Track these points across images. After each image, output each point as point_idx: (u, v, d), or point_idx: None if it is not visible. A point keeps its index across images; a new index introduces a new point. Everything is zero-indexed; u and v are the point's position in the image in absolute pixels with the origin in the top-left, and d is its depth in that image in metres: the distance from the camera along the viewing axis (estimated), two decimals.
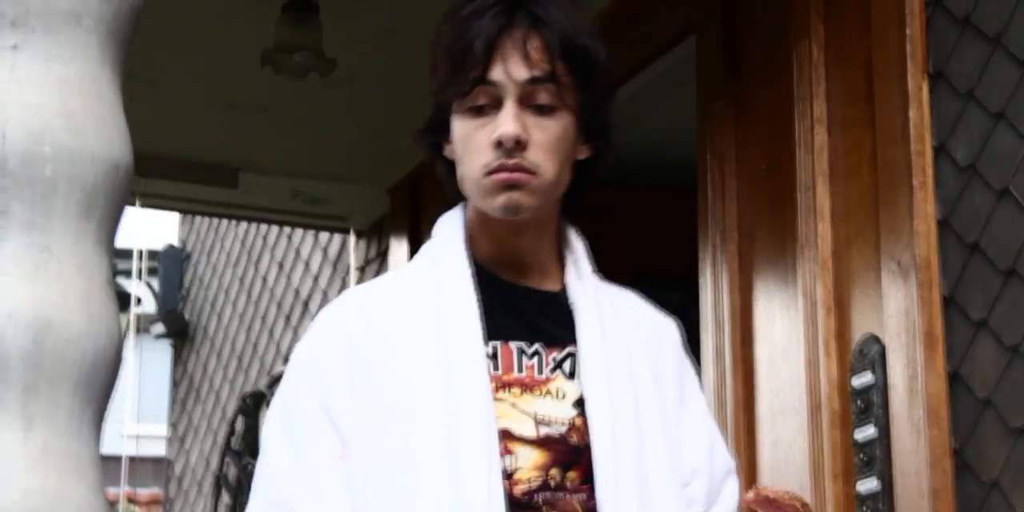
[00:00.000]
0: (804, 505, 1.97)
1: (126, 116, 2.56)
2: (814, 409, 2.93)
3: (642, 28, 3.75)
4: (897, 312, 2.75)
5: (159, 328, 6.92)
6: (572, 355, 1.99)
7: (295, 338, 5.68)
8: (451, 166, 2.01)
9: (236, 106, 4.49)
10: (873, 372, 2.78)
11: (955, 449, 2.61)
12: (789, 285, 3.09)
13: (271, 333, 5.91)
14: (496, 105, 1.94)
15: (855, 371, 2.83)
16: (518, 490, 1.89)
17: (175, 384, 6.86)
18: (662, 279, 4.61)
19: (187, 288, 6.90)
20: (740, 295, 3.26)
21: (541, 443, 1.93)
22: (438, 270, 2.00)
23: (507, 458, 1.90)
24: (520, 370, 1.96)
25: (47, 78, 2.46)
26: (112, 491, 7.63)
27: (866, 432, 2.77)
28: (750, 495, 1.96)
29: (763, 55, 3.27)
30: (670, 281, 4.47)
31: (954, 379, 2.64)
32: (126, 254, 6.70)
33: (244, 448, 5.71)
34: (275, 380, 5.63)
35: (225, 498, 5.87)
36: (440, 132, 2.02)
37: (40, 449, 2.41)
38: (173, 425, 6.79)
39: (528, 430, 1.93)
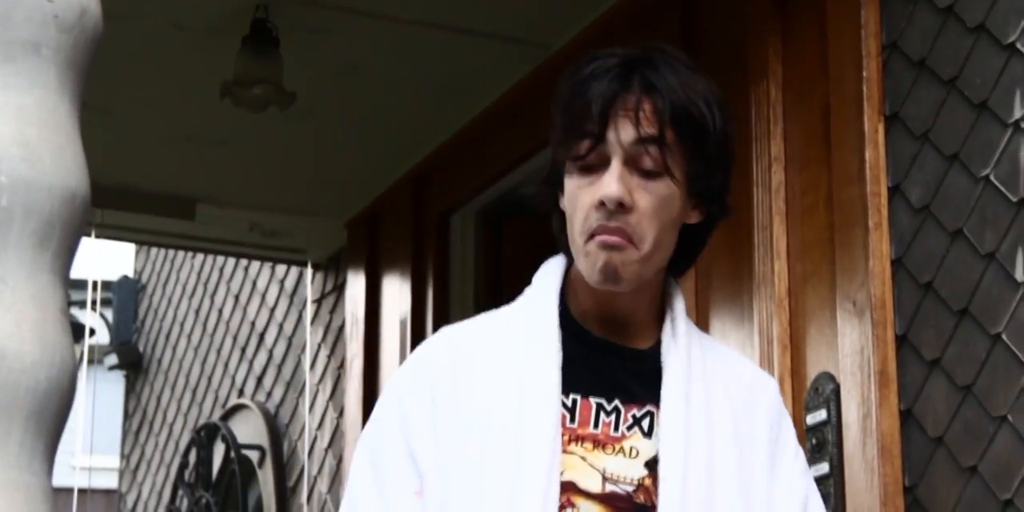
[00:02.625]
0: None
1: (84, 147, 2.55)
2: None
3: None
4: (852, 351, 2.77)
5: (112, 359, 6.88)
6: (652, 414, 1.98)
7: (250, 371, 5.66)
8: (564, 219, 2.02)
9: (195, 138, 4.49)
10: (827, 410, 2.79)
11: (907, 487, 2.62)
12: (745, 323, 3.10)
13: (226, 366, 5.88)
14: (604, 164, 1.95)
15: (809, 409, 2.84)
16: None
17: (128, 416, 6.81)
18: None
19: (141, 319, 6.87)
20: None
21: (605, 498, 1.93)
22: (529, 318, 2.01)
23: (568, 510, 1.91)
24: (596, 426, 1.96)
25: (4, 107, 2.45)
26: None
27: (820, 469, 2.78)
28: None
29: None
30: None
31: (907, 417, 2.65)
32: (80, 284, 6.67)
33: (197, 481, 5.67)
34: (229, 412, 5.61)
35: None
36: (556, 185, 2.03)
37: None
38: (126, 457, 6.74)
39: (594, 485, 1.93)
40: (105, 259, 7.15)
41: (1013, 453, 2.43)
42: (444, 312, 4.44)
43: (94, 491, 8.76)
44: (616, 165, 1.94)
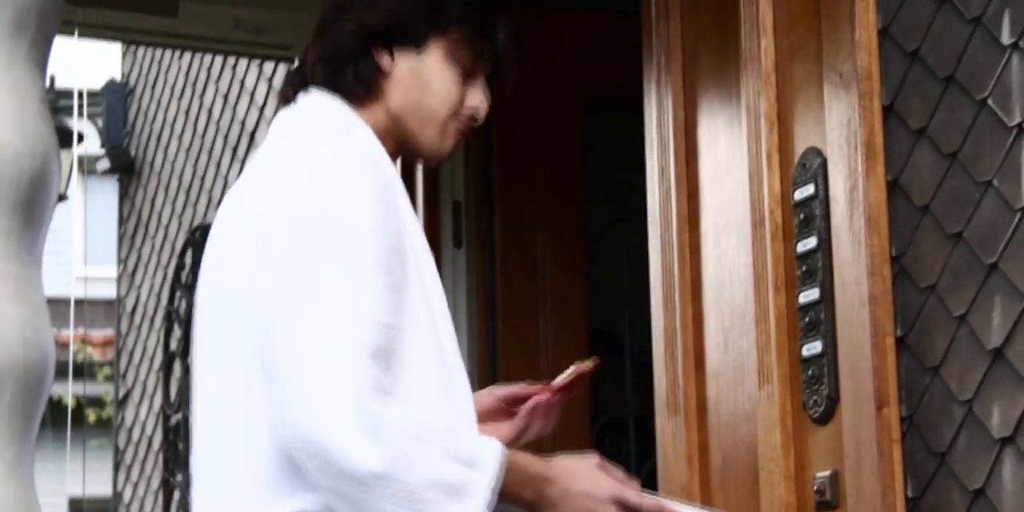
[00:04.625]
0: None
1: None
2: (757, 223, 2.94)
3: None
4: (839, 123, 2.75)
5: (104, 164, 6.86)
6: None
7: (241, 170, 5.65)
8: (373, 66, 2.17)
9: None
10: (815, 184, 2.79)
11: (894, 256, 2.64)
12: (733, 101, 3.08)
13: (218, 166, 5.88)
14: (475, 73, 2.23)
15: (797, 184, 2.84)
16: None
17: (123, 220, 6.84)
18: (610, 103, 4.60)
19: (131, 123, 6.84)
20: (684, 113, 3.25)
21: None
22: (390, 177, 2.13)
23: None
24: None
25: None
26: (64, 333, 7.63)
27: (808, 244, 2.79)
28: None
29: None
30: (618, 104, 4.46)
31: (893, 188, 2.66)
32: (67, 94, 6.62)
33: (194, 282, 5.72)
34: None
35: (177, 332, 5.90)
36: (391, 39, 2.18)
37: None
38: (123, 261, 6.79)
39: None
40: (91, 63, 7.08)
41: (998, 217, 2.44)
42: None
43: (95, 301, 8.83)
44: (486, 87, 2.24)
